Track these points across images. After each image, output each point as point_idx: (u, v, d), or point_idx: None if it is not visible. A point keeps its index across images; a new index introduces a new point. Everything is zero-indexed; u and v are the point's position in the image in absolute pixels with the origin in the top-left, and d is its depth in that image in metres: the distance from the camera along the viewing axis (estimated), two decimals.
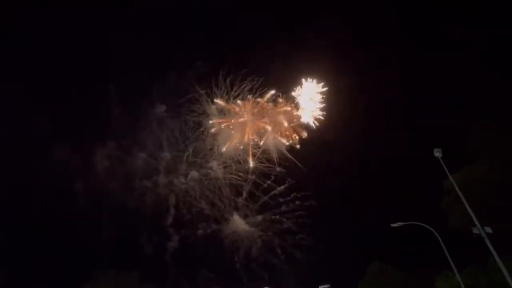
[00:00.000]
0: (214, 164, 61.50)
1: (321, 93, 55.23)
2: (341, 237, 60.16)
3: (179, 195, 62.40)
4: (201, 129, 60.33)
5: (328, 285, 49.08)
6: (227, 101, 58.58)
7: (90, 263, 54.71)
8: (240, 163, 60.77)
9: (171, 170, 62.60)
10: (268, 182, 60.98)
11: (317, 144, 57.46)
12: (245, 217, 63.08)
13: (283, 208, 61.75)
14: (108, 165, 61.15)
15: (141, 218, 62.40)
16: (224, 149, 59.31)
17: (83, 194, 60.39)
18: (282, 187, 61.12)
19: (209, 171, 61.51)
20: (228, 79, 57.90)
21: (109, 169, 61.11)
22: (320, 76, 55.26)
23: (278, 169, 59.76)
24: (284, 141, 57.57)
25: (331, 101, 55.94)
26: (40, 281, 51.57)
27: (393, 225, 27.78)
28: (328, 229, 61.20)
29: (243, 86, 57.95)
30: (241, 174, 60.83)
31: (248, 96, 57.49)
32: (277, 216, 62.20)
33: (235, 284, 59.72)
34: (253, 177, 60.52)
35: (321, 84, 54.96)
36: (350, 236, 59.41)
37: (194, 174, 61.53)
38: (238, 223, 61.82)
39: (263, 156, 59.60)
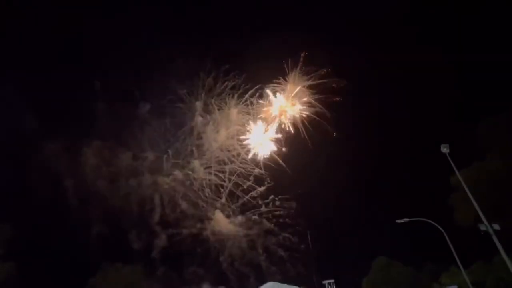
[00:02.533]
0: (196, 164, 61.54)
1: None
2: (345, 232, 60.00)
3: (164, 194, 62.24)
4: (184, 129, 60.63)
5: (333, 280, 49.11)
6: (212, 98, 59.31)
7: (99, 256, 55.33)
8: (219, 164, 60.90)
9: (154, 170, 62.44)
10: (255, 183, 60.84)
11: (320, 137, 57.39)
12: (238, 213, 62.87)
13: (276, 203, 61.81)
14: (96, 163, 60.79)
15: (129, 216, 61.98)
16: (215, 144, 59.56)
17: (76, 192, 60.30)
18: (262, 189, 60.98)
19: (189, 172, 61.57)
20: (211, 76, 58.70)
21: (96, 168, 60.84)
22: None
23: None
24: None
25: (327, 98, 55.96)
26: (49, 273, 52.25)
27: (399, 221, 27.59)
28: (333, 225, 61.17)
29: (226, 83, 58.77)
30: (221, 175, 60.88)
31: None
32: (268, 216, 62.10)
33: (239, 279, 59.99)
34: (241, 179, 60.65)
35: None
36: (355, 231, 59.23)
37: (177, 174, 61.48)
38: (223, 222, 61.61)
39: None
